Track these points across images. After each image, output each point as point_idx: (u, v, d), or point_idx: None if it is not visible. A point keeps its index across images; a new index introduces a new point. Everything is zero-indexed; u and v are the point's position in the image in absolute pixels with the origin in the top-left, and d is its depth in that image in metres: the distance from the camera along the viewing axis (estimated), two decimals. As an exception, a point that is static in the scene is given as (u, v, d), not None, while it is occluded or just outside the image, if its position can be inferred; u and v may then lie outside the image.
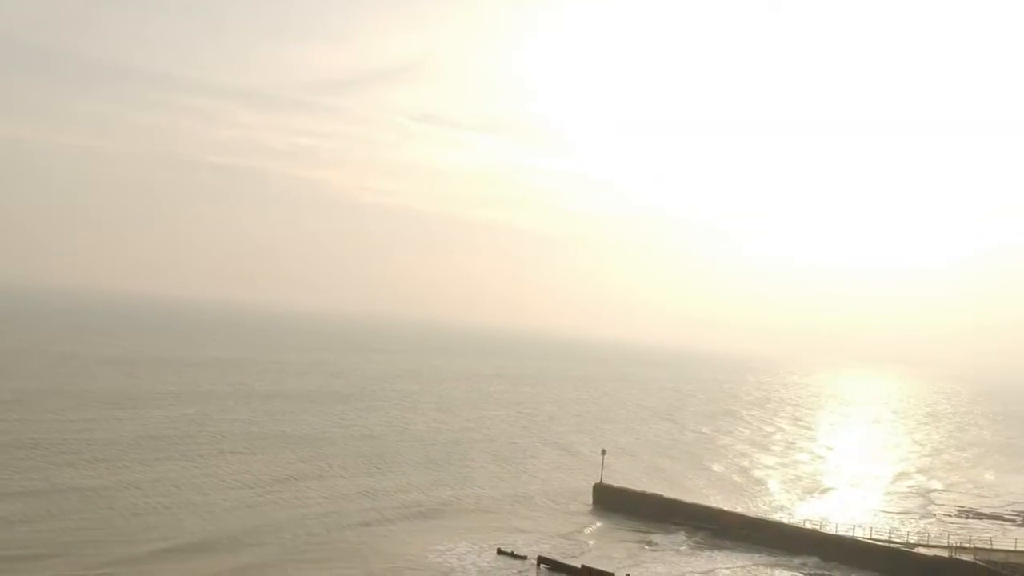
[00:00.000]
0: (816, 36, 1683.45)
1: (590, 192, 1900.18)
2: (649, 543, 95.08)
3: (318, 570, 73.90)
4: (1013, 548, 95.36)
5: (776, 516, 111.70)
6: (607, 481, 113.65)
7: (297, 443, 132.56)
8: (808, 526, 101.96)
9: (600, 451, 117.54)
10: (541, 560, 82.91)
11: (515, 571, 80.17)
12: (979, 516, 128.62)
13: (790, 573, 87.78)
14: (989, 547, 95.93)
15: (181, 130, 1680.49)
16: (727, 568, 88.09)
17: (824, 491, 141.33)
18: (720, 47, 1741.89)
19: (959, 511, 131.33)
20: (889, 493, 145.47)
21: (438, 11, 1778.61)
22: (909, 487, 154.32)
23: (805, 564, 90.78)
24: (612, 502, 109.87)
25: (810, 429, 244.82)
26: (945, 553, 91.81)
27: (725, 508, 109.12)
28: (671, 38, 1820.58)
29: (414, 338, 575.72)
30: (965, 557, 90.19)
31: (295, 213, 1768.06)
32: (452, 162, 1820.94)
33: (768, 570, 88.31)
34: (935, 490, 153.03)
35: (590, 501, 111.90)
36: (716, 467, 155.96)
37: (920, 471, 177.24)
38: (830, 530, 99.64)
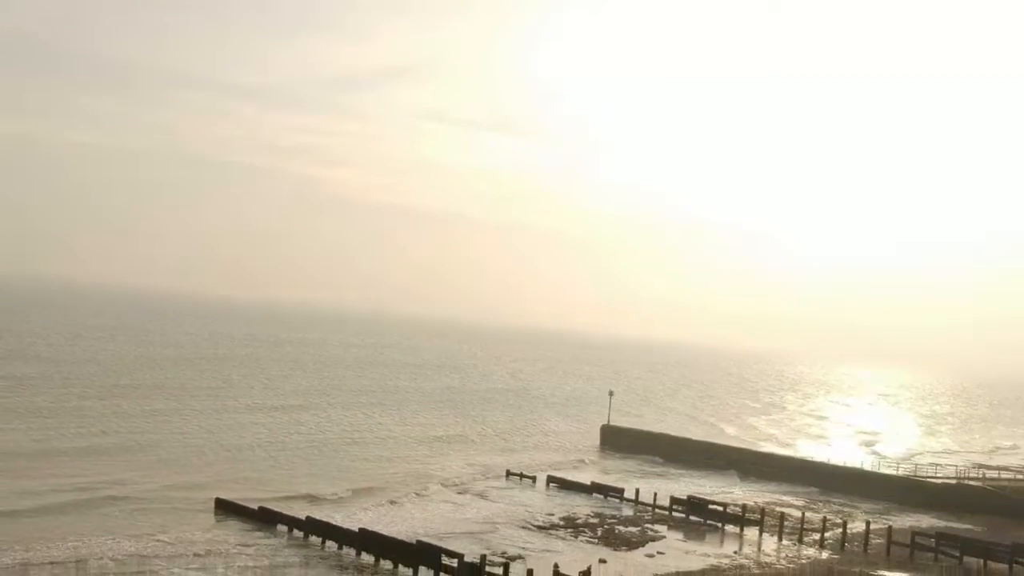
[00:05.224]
0: (830, 32, 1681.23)
1: (606, 192, 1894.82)
2: (656, 472, 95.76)
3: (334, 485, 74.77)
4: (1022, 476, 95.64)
5: (786, 453, 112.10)
6: (614, 422, 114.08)
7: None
8: (815, 460, 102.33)
9: (608, 392, 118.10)
10: (551, 479, 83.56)
11: (526, 487, 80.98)
12: (987, 468, 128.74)
13: (794, 498, 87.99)
14: (997, 476, 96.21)
15: (190, 128, 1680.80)
16: (735, 490, 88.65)
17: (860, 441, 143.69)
18: (732, 46, 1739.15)
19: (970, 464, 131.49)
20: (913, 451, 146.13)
21: (451, 10, 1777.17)
22: (929, 445, 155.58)
23: (809, 492, 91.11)
24: (619, 442, 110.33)
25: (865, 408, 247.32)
26: (953, 482, 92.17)
27: (734, 445, 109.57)
28: (683, 39, 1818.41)
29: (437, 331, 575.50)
30: (974, 484, 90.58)
31: (304, 211, 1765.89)
32: (464, 161, 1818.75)
33: (771, 495, 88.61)
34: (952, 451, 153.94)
35: (597, 442, 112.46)
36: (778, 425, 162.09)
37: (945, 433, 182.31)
38: (837, 464, 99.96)
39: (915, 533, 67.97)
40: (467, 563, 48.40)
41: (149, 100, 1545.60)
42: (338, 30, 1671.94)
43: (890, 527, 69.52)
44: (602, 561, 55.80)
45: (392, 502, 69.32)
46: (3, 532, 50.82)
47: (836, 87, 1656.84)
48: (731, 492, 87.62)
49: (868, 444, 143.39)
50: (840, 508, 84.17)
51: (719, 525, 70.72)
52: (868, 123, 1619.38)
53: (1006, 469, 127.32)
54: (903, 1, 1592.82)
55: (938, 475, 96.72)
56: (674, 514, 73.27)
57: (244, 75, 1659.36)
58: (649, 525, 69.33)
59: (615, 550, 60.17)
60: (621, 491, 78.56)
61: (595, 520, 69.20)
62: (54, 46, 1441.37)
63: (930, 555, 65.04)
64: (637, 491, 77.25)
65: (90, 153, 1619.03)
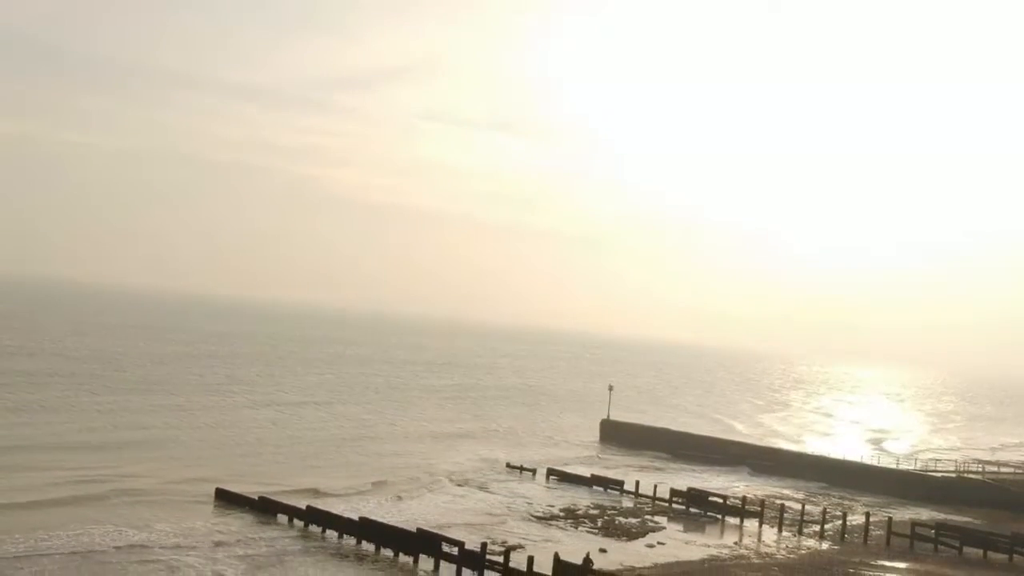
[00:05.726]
0: (830, 32, 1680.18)
1: (606, 192, 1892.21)
2: (655, 466, 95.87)
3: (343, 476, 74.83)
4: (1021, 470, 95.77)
5: (787, 447, 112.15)
6: (614, 417, 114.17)
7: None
8: (817, 454, 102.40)
9: (608, 387, 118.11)
10: (550, 472, 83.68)
11: (526, 480, 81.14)
12: (987, 463, 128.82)
13: (794, 492, 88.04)
14: (996, 471, 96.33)
15: (190, 128, 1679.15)
16: (739, 484, 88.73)
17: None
18: (732, 46, 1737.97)
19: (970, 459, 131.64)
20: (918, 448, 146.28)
21: (450, 10, 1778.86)
22: (935, 443, 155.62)
23: (810, 486, 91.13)
24: (619, 436, 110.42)
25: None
26: (953, 475, 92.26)
27: (735, 439, 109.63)
28: (682, 39, 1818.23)
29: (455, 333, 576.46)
30: (973, 477, 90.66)
31: (304, 211, 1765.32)
32: (464, 161, 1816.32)
33: (773, 488, 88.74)
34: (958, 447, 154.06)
35: (597, 437, 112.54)
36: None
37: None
38: (837, 458, 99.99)
39: (915, 524, 68.12)
40: (468, 551, 48.53)
41: (149, 100, 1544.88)
42: (338, 30, 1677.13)
43: (890, 519, 69.66)
44: (602, 551, 55.97)
45: (394, 495, 69.38)
46: (8, 523, 50.90)
47: (836, 86, 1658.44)
48: (736, 486, 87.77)
49: (875, 441, 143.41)
50: (840, 501, 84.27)
51: (719, 517, 70.84)
52: (868, 122, 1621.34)
53: (1006, 464, 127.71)
54: (903, 1, 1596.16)
55: (938, 469, 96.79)
56: (674, 506, 73.49)
57: (244, 75, 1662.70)
58: (649, 516, 69.52)
59: (616, 540, 60.37)
60: (621, 483, 78.77)
61: (595, 511, 69.38)
62: (54, 46, 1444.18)
63: (929, 546, 65.24)
64: (637, 483, 77.52)
65: (90, 153, 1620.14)
